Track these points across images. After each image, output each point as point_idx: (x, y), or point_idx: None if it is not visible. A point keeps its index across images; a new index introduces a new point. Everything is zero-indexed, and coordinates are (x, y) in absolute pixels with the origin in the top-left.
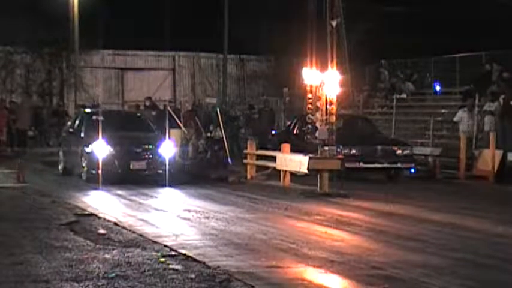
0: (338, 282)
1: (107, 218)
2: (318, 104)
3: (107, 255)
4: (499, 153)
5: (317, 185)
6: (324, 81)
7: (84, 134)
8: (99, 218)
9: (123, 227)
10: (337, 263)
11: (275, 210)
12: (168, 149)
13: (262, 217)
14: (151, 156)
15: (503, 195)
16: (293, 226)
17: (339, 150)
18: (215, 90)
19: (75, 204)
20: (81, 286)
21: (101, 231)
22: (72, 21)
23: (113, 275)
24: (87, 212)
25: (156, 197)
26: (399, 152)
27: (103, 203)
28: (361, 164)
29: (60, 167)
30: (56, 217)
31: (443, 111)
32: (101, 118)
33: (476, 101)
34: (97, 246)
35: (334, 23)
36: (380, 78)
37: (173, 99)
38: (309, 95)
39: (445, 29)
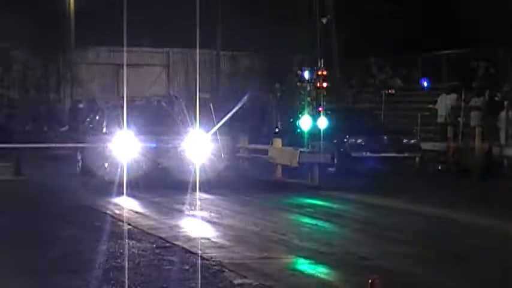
0: (328, 273)
1: (103, 210)
2: (309, 99)
3: (102, 247)
4: (484, 148)
5: (308, 178)
6: (314, 76)
7: (107, 129)
8: (95, 209)
9: (119, 219)
10: (326, 254)
11: (267, 203)
12: (197, 145)
13: (254, 210)
14: (180, 153)
15: (488, 189)
16: (284, 218)
17: (345, 140)
18: (209, 86)
19: (75, 197)
20: (78, 277)
21: (97, 223)
22: (68, 18)
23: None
24: (85, 204)
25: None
26: (405, 141)
27: (101, 196)
28: (368, 154)
29: (78, 167)
30: (54, 209)
31: (430, 106)
32: (124, 112)
33: (463, 96)
34: (92, 237)
35: (324, 20)
36: (370, 73)
37: (168, 95)
38: (301, 91)
39: (433, 26)
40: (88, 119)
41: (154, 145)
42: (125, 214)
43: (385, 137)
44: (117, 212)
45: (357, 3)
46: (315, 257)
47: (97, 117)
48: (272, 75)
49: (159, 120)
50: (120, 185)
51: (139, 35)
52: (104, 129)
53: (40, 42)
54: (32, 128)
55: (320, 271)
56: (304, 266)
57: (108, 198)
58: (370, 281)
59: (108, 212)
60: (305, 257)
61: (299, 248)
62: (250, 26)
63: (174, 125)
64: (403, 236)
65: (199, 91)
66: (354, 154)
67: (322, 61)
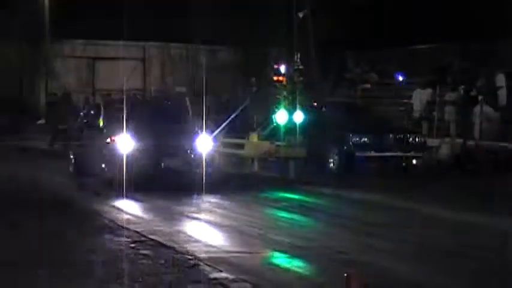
0: (304, 267)
1: (82, 204)
2: (285, 93)
3: (81, 241)
4: (459, 142)
5: (285, 172)
6: (290, 71)
7: (104, 126)
8: (72, 205)
9: (98, 214)
10: (303, 248)
11: (243, 197)
12: (205, 143)
13: (230, 204)
14: (187, 152)
15: (464, 184)
16: (261, 212)
17: (348, 138)
18: (185, 81)
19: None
20: (57, 271)
21: (74, 217)
22: (43, 10)
23: None
24: (78, 205)
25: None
26: (411, 140)
27: (76, 190)
28: (373, 153)
29: (71, 166)
30: (36, 203)
31: (405, 100)
32: (124, 107)
33: (437, 91)
34: (70, 232)
35: (301, 14)
36: (346, 67)
37: (143, 89)
38: (277, 85)
39: (409, 20)
40: (82, 114)
41: (155, 143)
42: (124, 217)
43: (391, 136)
44: (117, 216)
45: None
46: (292, 251)
47: (92, 112)
48: (249, 69)
49: (161, 116)
50: (119, 185)
51: (115, 28)
52: (102, 125)
53: (14, 35)
54: (8, 121)
55: (296, 265)
56: (281, 260)
57: (105, 200)
58: (345, 274)
59: (106, 215)
60: (281, 251)
61: (276, 242)
62: (227, 19)
63: (177, 122)
64: (383, 231)
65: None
66: (358, 153)
67: (298, 55)
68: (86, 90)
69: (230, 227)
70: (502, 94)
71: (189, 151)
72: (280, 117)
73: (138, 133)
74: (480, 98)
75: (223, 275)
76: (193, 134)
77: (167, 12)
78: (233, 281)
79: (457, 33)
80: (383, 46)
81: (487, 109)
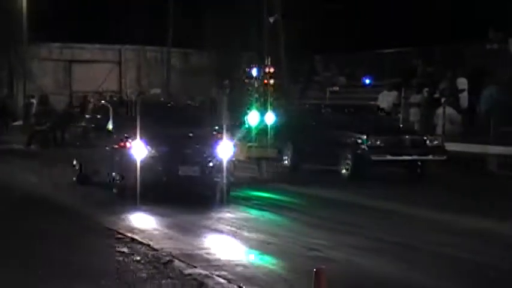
0: (275, 263)
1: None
2: (256, 95)
3: (56, 238)
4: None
5: (257, 172)
6: (262, 73)
7: (115, 130)
8: (49, 204)
9: (74, 212)
10: (275, 245)
11: (215, 196)
12: (226, 149)
13: (203, 202)
14: (206, 159)
15: (427, 182)
16: (233, 211)
17: (361, 141)
18: (160, 83)
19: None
20: (32, 270)
21: (49, 216)
22: (20, 13)
23: None
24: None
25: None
26: (429, 142)
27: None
28: (389, 157)
29: (76, 173)
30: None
31: (371, 102)
32: (137, 109)
33: (403, 93)
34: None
35: (272, 19)
36: (315, 71)
37: (119, 91)
38: (249, 87)
39: (376, 25)
40: (88, 117)
41: (172, 149)
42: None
43: (407, 138)
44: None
45: (303, 2)
46: (263, 247)
47: (98, 116)
48: (222, 72)
49: (179, 120)
50: (132, 196)
51: (92, 32)
52: (111, 130)
53: None
54: None
55: (268, 261)
56: (253, 256)
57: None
58: (314, 270)
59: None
60: (253, 248)
61: (248, 239)
62: (202, 22)
63: (196, 126)
64: (354, 228)
65: (151, 88)
66: (374, 157)
67: (269, 59)
68: (63, 92)
69: (202, 224)
70: (464, 97)
71: (208, 158)
72: (252, 118)
73: (152, 138)
74: (443, 100)
75: (197, 271)
76: (213, 140)
77: (143, 16)
78: (207, 276)
79: (422, 38)
80: (351, 50)
81: (450, 111)
